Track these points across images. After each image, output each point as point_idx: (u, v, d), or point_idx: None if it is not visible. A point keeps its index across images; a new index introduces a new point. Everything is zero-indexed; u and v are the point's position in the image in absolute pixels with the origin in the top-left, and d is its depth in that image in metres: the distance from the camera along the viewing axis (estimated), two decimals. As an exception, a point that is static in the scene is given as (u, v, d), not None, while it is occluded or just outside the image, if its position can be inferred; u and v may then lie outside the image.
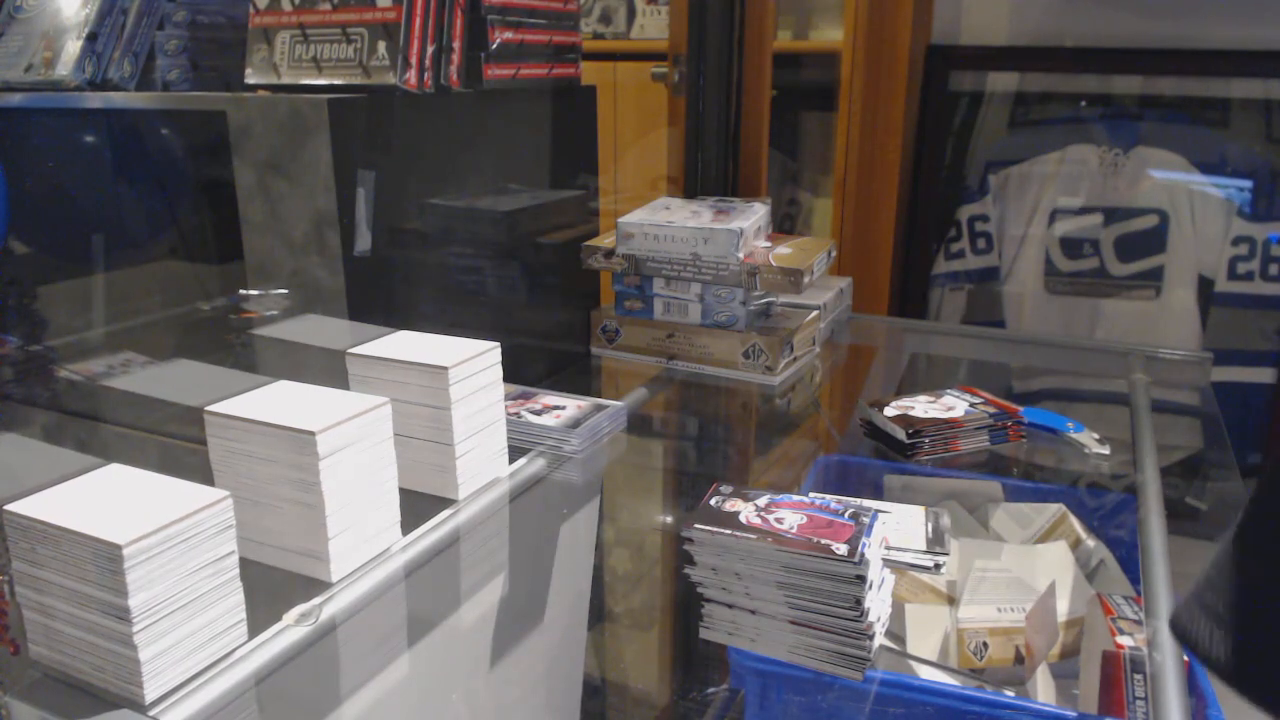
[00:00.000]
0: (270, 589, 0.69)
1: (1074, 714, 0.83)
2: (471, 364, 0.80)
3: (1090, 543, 1.13)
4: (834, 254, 1.29)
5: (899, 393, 1.15)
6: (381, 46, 0.95)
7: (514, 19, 1.07)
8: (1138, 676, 0.81)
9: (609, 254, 1.24)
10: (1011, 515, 1.18)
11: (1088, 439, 1.09)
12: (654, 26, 2.47)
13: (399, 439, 0.74)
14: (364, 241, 0.93)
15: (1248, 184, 2.02)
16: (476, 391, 0.81)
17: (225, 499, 0.60)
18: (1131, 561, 1.06)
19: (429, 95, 0.98)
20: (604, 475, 1.04)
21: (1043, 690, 0.99)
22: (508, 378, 0.85)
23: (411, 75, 0.95)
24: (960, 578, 1.09)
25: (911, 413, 1.08)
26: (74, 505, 0.59)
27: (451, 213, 1.05)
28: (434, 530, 0.78)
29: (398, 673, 0.73)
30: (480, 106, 1.07)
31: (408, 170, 0.98)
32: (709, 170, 1.55)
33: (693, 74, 1.53)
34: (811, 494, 0.82)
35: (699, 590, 0.76)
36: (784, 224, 2.47)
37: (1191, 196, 2.05)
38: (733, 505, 0.78)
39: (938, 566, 0.80)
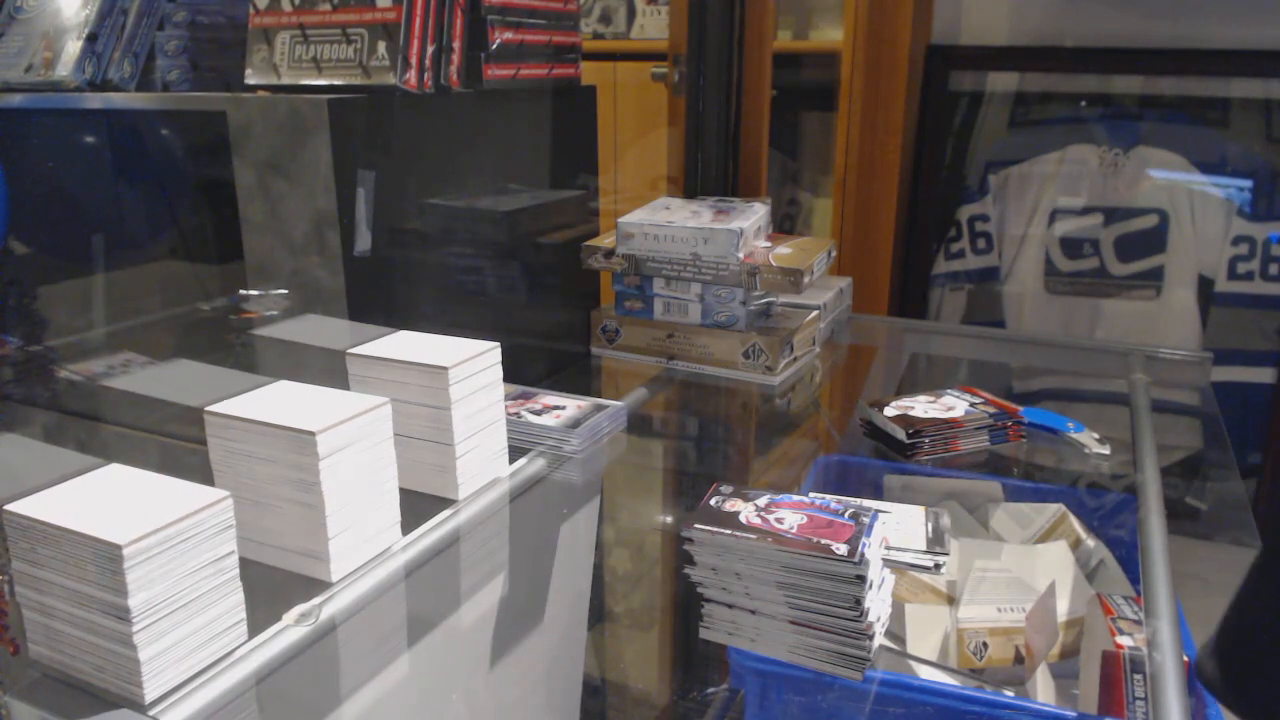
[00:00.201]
0: (270, 589, 0.69)
1: (1074, 714, 0.83)
2: (471, 364, 0.80)
3: (1090, 543, 1.13)
4: (834, 254, 1.29)
5: (899, 393, 1.15)
6: (381, 46, 0.95)
7: (514, 19, 1.07)
8: (1137, 676, 0.81)
9: (609, 254, 1.24)
10: (1011, 515, 1.18)
11: (1088, 439, 1.09)
12: (654, 26, 2.47)
13: (399, 439, 0.74)
14: (364, 241, 0.93)
15: (1248, 184, 2.02)
16: (476, 391, 0.81)
17: (225, 499, 0.60)
18: (1131, 561, 1.06)
19: (429, 95, 0.98)
20: (604, 475, 1.04)
21: (1043, 690, 0.99)
22: (508, 378, 0.85)
23: (411, 75, 0.95)
24: (960, 578, 1.09)
25: (911, 413, 1.08)
26: (74, 505, 0.59)
27: (451, 213, 1.05)
28: (434, 530, 0.78)
29: (398, 673, 0.73)
30: (480, 106, 1.07)
31: (408, 170, 0.98)
32: (709, 170, 1.55)
33: (693, 74, 1.53)
34: (811, 494, 0.82)
35: (699, 590, 0.76)
36: (784, 224, 2.47)
37: (1191, 196, 2.05)
38: (733, 505, 0.78)
39: (938, 566, 0.80)
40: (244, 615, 0.63)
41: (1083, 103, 2.14)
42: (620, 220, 1.23)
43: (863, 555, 0.70)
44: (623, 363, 1.27)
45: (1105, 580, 1.11)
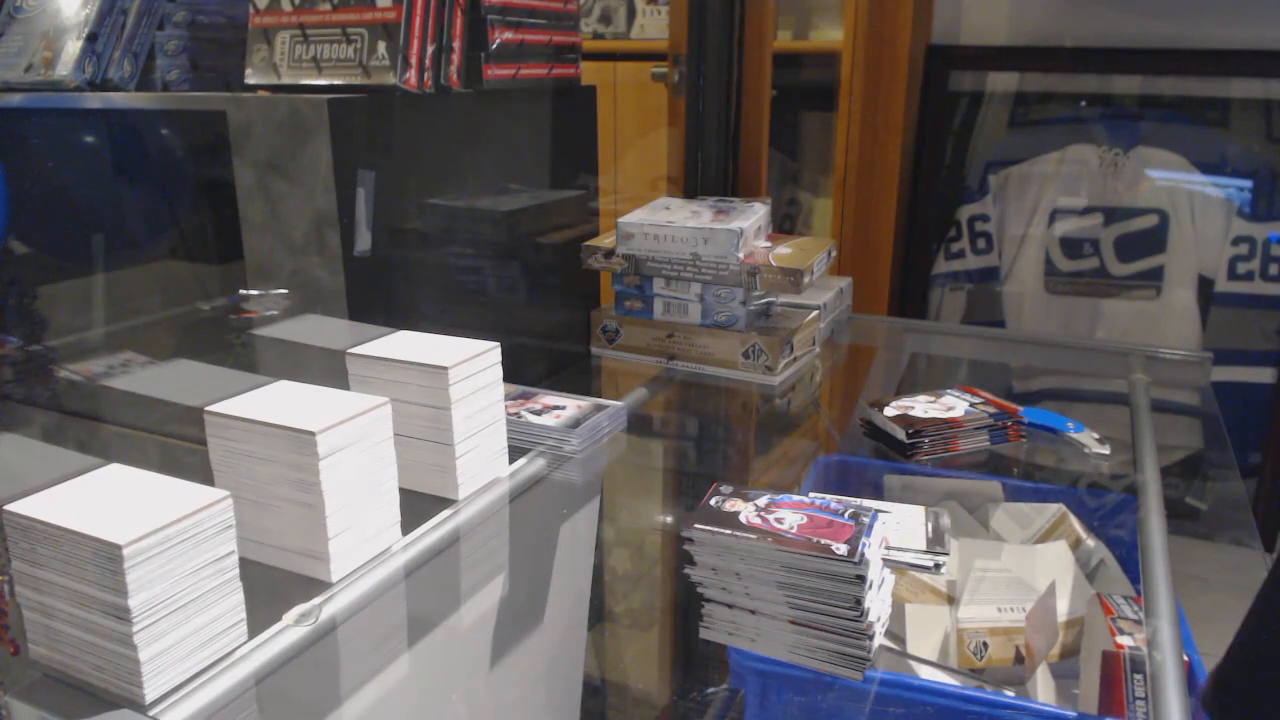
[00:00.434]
0: (270, 589, 0.69)
1: (1074, 714, 0.83)
2: (471, 364, 0.80)
3: (1090, 543, 1.13)
4: (834, 254, 1.29)
5: (899, 393, 1.15)
6: (381, 46, 0.95)
7: (514, 19, 1.07)
8: (1138, 676, 0.81)
9: (609, 254, 1.24)
10: (1011, 515, 1.18)
11: (1088, 439, 1.09)
12: (654, 26, 2.47)
13: (399, 439, 0.74)
14: (364, 241, 0.93)
15: (1248, 184, 2.02)
16: (476, 391, 0.81)
17: (225, 499, 0.60)
18: (1131, 561, 1.06)
19: (429, 95, 0.98)
20: (604, 475, 1.04)
21: (1043, 690, 0.99)
22: (508, 378, 0.85)
23: (411, 75, 0.95)
24: (960, 578, 1.09)
25: (911, 413, 1.08)
26: (74, 505, 0.59)
27: (451, 213, 1.05)
28: (434, 530, 0.78)
29: (398, 673, 0.73)
30: (480, 106, 1.07)
31: (408, 170, 0.98)
32: (709, 170, 1.55)
33: (693, 74, 1.53)
34: (811, 494, 0.82)
35: (699, 590, 0.76)
36: (784, 224, 2.47)
37: (1191, 196, 2.05)
38: (733, 505, 0.78)
39: (938, 566, 0.80)
40: (244, 615, 0.63)
41: (1083, 103, 2.14)
42: (620, 220, 1.23)
43: (863, 555, 0.70)
44: (623, 363, 1.27)
45: (1105, 580, 1.11)
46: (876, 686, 0.85)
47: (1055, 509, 1.15)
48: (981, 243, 2.21)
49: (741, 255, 1.17)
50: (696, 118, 1.54)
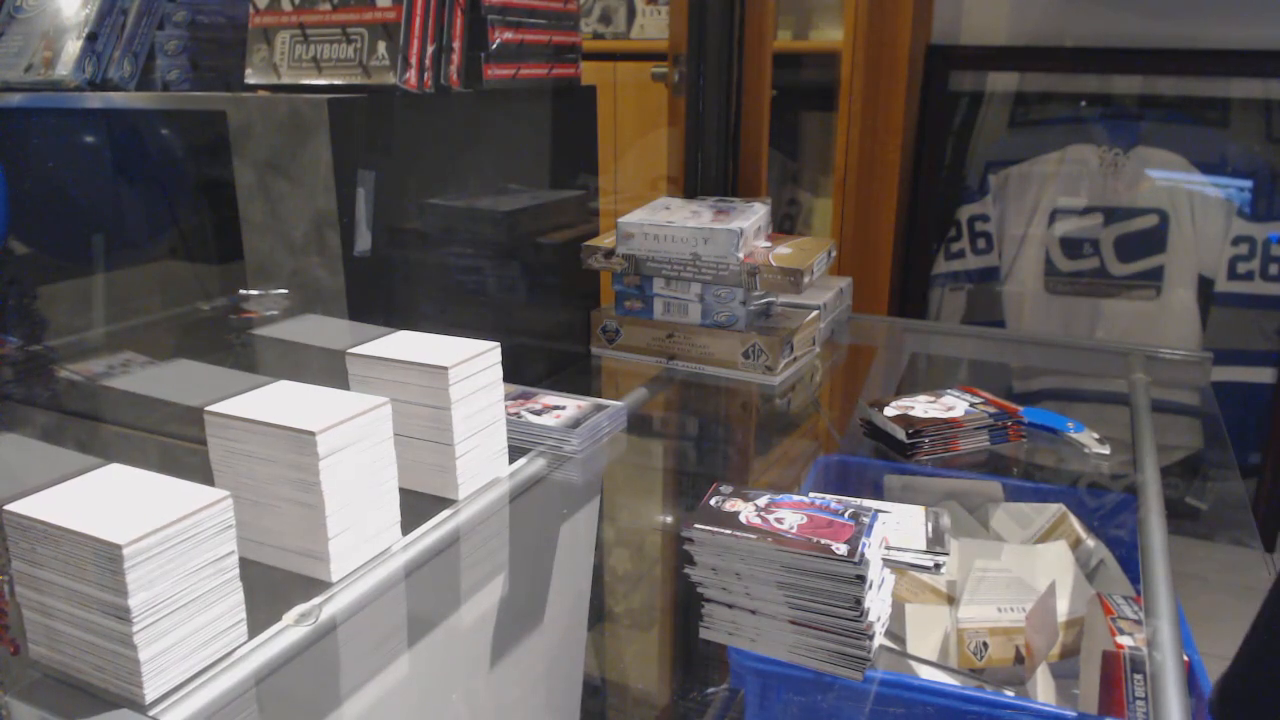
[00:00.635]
0: (270, 589, 0.69)
1: (1074, 714, 0.83)
2: (471, 364, 0.80)
3: (1090, 543, 1.13)
4: (834, 254, 1.29)
5: (899, 393, 1.15)
6: (381, 46, 0.95)
7: (514, 19, 1.07)
8: (1138, 676, 0.81)
9: (609, 254, 1.24)
10: (1011, 515, 1.18)
11: (1088, 439, 1.09)
12: (654, 26, 2.47)
13: (399, 439, 0.74)
14: (364, 241, 0.93)
15: (1248, 184, 2.02)
16: (476, 391, 0.81)
17: (225, 499, 0.60)
18: (1131, 561, 1.06)
19: (429, 95, 0.98)
20: (604, 475, 1.04)
21: (1043, 690, 0.99)
22: (508, 378, 0.85)
23: (411, 75, 0.95)
24: (960, 578, 1.09)
25: (911, 413, 1.08)
26: (74, 505, 0.59)
27: (451, 213, 1.05)
28: (434, 530, 0.78)
29: (398, 673, 0.73)
30: (480, 106, 1.07)
31: (408, 170, 0.98)
32: (709, 170, 1.55)
33: (693, 74, 1.53)
34: (811, 494, 0.82)
35: (699, 590, 0.76)
36: (784, 224, 2.47)
37: (1191, 196, 2.05)
38: (733, 505, 0.78)
39: (938, 566, 0.80)
40: (244, 615, 0.63)
41: (1083, 103, 2.14)
42: (620, 220, 1.23)
43: (863, 555, 0.70)
44: (623, 363, 1.27)
45: (1105, 580, 1.11)
46: (876, 686, 0.85)
47: (1055, 509, 1.15)
48: (981, 243, 2.21)
49: (741, 255, 1.17)
50: (696, 118, 1.54)
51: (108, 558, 0.55)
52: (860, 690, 0.79)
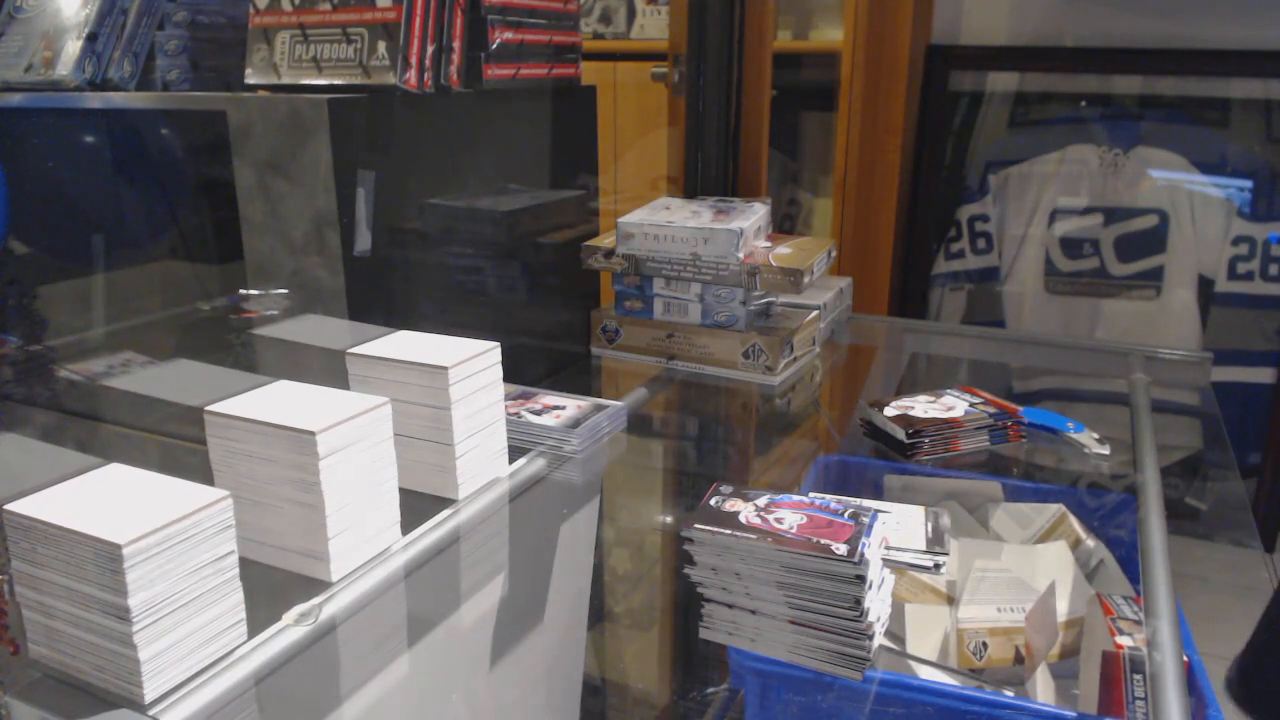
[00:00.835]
0: (270, 589, 0.69)
1: (1074, 714, 0.83)
2: (471, 364, 0.80)
3: (1090, 543, 1.13)
4: (834, 254, 1.29)
5: (899, 393, 1.15)
6: (381, 46, 0.95)
7: (514, 19, 1.07)
8: (1137, 676, 0.81)
9: (609, 254, 1.24)
10: (1011, 515, 1.18)
11: (1088, 439, 1.09)
12: (654, 26, 2.47)
13: (399, 439, 0.74)
14: (364, 241, 0.93)
15: (1248, 184, 2.02)
16: (476, 391, 0.81)
17: (225, 499, 0.60)
18: (1131, 561, 1.06)
19: (429, 95, 0.98)
20: (604, 475, 1.04)
21: (1042, 690, 0.99)
22: (508, 378, 0.85)
23: (411, 75, 0.95)
24: (960, 578, 1.09)
25: (911, 413, 1.08)
26: (74, 505, 0.59)
27: (451, 213, 1.05)
28: (434, 530, 0.78)
29: (398, 673, 0.73)
30: (480, 106, 1.07)
31: (408, 170, 0.98)
32: (709, 170, 1.55)
33: (693, 74, 1.53)
34: (811, 494, 0.82)
35: (699, 590, 0.76)
36: (784, 224, 2.47)
37: (1191, 196, 2.05)
38: (733, 505, 0.78)
39: (938, 566, 0.80)
40: (244, 615, 0.63)
41: (1083, 103, 2.14)
42: (620, 220, 1.23)
43: (863, 555, 0.70)
44: (623, 363, 1.27)
45: (1105, 580, 1.11)
46: (876, 686, 0.85)
47: (1055, 509, 1.15)
48: (981, 243, 2.21)
49: (741, 255, 1.17)
50: (696, 118, 1.54)
51: (108, 557, 0.55)
52: (860, 690, 0.79)
